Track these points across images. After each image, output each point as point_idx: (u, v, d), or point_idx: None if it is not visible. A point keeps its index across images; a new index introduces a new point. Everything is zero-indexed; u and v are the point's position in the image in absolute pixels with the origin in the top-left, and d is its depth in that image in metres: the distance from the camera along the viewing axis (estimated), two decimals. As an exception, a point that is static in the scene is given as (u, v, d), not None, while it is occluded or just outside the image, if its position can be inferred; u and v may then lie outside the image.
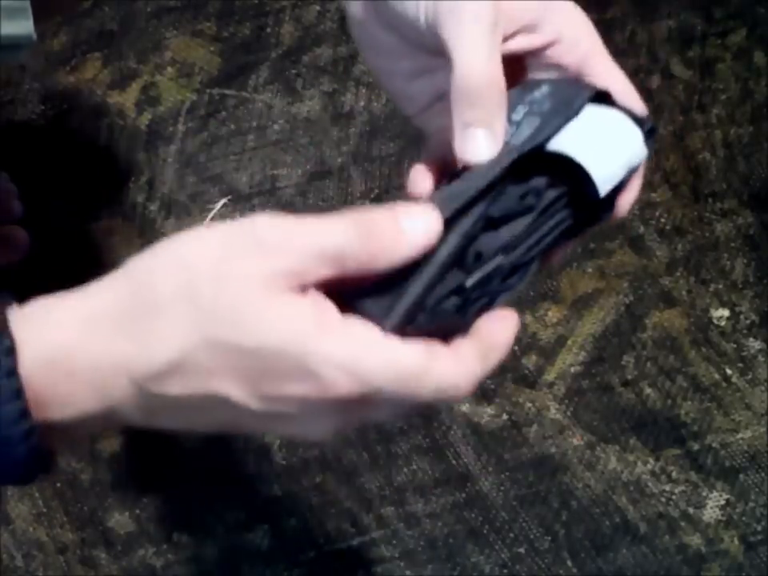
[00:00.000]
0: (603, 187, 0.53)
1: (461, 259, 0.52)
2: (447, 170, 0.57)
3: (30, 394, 0.49)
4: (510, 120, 0.55)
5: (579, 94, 0.55)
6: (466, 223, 0.52)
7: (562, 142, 0.53)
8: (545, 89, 0.56)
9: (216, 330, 0.48)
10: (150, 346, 0.49)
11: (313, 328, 0.48)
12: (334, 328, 0.48)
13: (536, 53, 0.56)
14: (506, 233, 0.53)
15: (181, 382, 0.49)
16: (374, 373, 0.48)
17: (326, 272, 0.49)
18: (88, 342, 0.49)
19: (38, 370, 0.49)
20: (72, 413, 0.50)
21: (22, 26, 0.79)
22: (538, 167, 0.54)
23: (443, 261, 0.51)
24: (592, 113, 0.54)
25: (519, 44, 0.56)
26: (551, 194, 0.53)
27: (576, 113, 0.54)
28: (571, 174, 0.53)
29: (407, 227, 0.50)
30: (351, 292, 0.50)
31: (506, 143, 0.54)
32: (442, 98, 0.59)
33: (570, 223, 0.55)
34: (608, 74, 0.57)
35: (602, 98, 0.56)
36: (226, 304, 0.48)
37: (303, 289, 0.49)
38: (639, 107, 0.56)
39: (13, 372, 0.49)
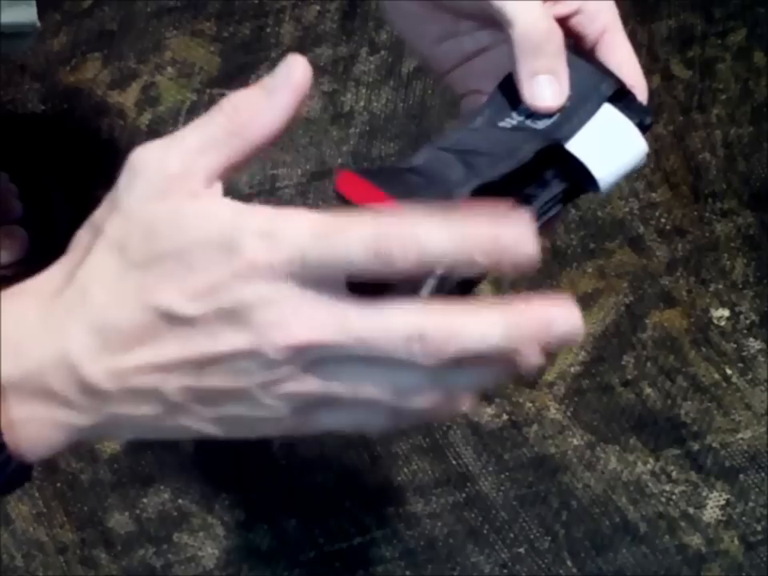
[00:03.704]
0: (606, 190, 0.56)
1: None
2: None
3: None
4: None
5: (598, 87, 0.57)
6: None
7: (577, 143, 0.56)
8: None
9: (133, 247, 0.50)
10: (83, 292, 0.51)
11: (226, 213, 0.49)
12: (247, 208, 0.49)
13: (560, 21, 0.58)
14: None
15: (123, 305, 0.50)
16: (293, 231, 0.47)
17: (211, 159, 0.51)
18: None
19: None
20: (25, 367, 0.51)
21: (25, 13, 0.79)
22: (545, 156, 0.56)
23: None
24: (606, 114, 0.57)
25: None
26: (555, 188, 0.56)
27: (595, 110, 0.56)
28: (577, 171, 0.56)
29: (270, 86, 0.52)
30: None
31: (525, 123, 0.57)
32: (469, 61, 0.63)
33: (560, 208, 0.57)
34: (620, 50, 0.59)
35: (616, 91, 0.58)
36: (136, 225, 0.50)
37: (208, 184, 0.51)
38: (643, 88, 0.59)
39: None
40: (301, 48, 1.24)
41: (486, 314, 0.46)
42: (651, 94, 0.59)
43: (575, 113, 0.56)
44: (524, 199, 0.56)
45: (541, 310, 0.46)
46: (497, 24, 0.59)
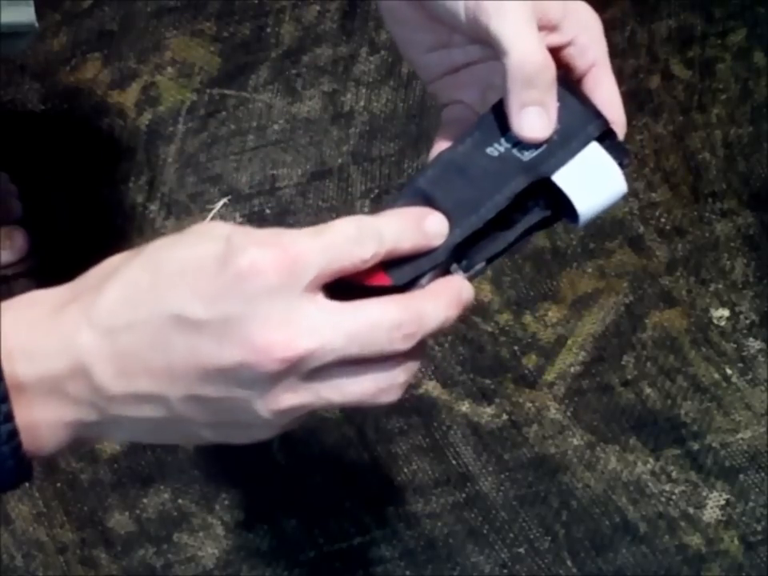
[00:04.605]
0: (584, 223, 0.58)
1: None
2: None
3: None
4: None
5: (586, 127, 0.58)
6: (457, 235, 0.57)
7: (563, 177, 0.58)
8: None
9: (149, 251, 0.52)
10: (97, 292, 0.51)
11: (226, 230, 0.51)
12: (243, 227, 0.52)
13: (551, 52, 0.58)
14: (489, 242, 0.57)
15: (135, 309, 0.50)
16: (300, 240, 0.50)
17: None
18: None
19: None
20: (40, 369, 0.51)
21: (24, 13, 0.79)
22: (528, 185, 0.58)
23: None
24: (593, 152, 0.58)
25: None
26: (536, 215, 0.58)
27: (581, 148, 0.58)
28: (558, 202, 0.58)
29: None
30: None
31: (511, 152, 0.58)
32: (456, 72, 0.64)
33: (536, 233, 0.60)
34: (606, 86, 0.60)
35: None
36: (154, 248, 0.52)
37: None
38: (622, 126, 0.60)
39: None
40: (301, 48, 1.24)
41: (433, 297, 0.53)
42: (651, 93, 0.60)
43: (560, 148, 0.58)
44: (506, 224, 0.58)
45: (456, 287, 0.55)
46: (491, 45, 0.60)
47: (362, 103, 1.21)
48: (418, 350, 0.53)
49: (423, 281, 0.55)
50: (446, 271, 0.56)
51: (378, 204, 1.15)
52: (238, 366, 0.50)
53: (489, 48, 0.60)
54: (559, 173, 0.58)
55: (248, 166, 1.19)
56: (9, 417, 0.50)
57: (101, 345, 0.51)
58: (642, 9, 1.22)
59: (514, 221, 0.58)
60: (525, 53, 0.56)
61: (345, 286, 0.52)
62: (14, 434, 0.50)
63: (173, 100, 1.23)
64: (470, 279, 0.57)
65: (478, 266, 0.57)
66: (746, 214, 1.12)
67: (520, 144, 0.58)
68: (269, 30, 1.25)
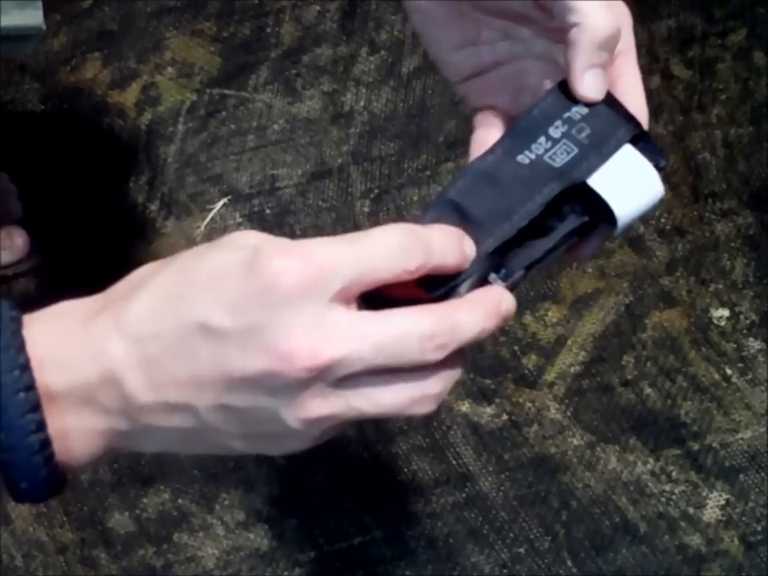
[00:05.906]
0: (622, 228, 0.58)
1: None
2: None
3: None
4: (547, 134, 0.59)
5: (616, 131, 0.58)
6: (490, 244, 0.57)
7: (599, 181, 0.57)
8: (583, 110, 0.59)
9: (178, 261, 0.52)
10: (127, 301, 0.51)
11: (255, 239, 0.51)
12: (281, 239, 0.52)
13: None
14: (527, 250, 0.58)
15: (161, 317, 0.50)
16: (328, 248, 0.50)
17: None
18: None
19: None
20: (71, 378, 0.51)
21: (32, 16, 0.79)
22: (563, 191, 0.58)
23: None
24: (627, 155, 0.58)
25: None
26: (573, 221, 0.58)
27: (613, 152, 0.58)
28: (595, 207, 0.57)
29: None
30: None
31: (542, 159, 0.58)
32: (484, 73, 0.63)
33: (576, 240, 0.60)
34: (630, 77, 0.61)
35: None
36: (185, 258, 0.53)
37: None
38: (645, 118, 0.60)
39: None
40: (301, 48, 1.24)
41: (469, 307, 0.53)
42: (651, 93, 0.60)
43: (593, 152, 0.58)
44: (543, 232, 0.58)
45: (495, 297, 0.55)
46: (533, 24, 0.60)
47: (362, 103, 1.21)
48: (455, 360, 0.52)
49: (461, 290, 0.54)
50: (484, 281, 0.56)
51: (378, 204, 1.15)
52: (262, 374, 0.49)
53: (517, 42, 0.61)
54: (594, 177, 0.57)
55: (248, 165, 1.19)
56: (41, 426, 0.50)
57: (130, 354, 0.50)
58: (642, 9, 1.22)
59: (550, 228, 0.58)
60: (602, 16, 0.58)
61: (381, 297, 0.52)
62: (46, 443, 0.50)
63: (173, 100, 1.23)
64: (511, 289, 0.57)
65: (517, 275, 0.57)
66: (746, 214, 1.12)
67: (551, 150, 0.58)
68: (269, 30, 1.25)
